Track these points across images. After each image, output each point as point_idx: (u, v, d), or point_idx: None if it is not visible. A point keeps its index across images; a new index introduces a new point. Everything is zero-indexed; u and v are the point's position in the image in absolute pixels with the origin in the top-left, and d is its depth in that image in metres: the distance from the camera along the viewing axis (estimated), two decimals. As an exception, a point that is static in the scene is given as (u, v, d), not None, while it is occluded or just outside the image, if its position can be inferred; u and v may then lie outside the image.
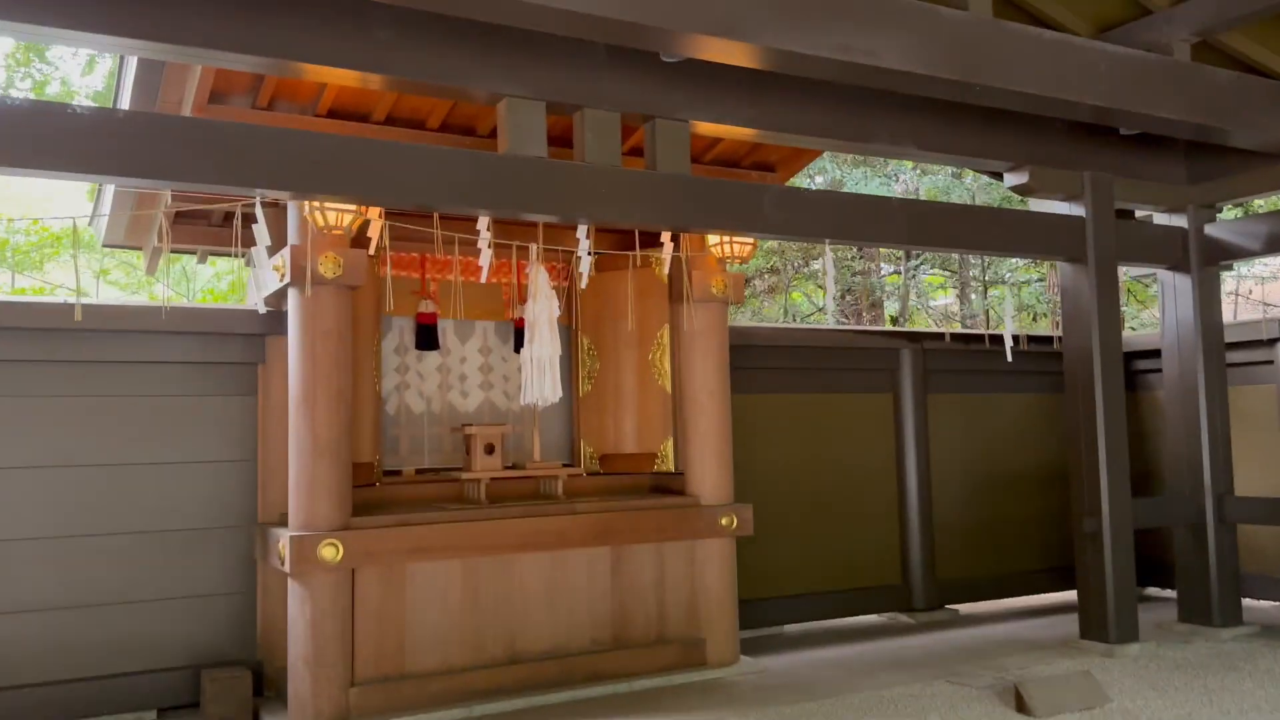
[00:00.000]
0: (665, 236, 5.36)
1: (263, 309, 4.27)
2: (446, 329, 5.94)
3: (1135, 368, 8.13)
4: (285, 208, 4.85)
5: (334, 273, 4.55)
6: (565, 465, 5.97)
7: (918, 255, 10.84)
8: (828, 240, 5.15)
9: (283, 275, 4.59)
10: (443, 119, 5.05)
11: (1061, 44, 4.59)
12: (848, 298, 11.28)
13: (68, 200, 13.45)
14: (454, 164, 4.09)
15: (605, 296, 6.03)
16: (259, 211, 3.86)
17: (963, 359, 7.59)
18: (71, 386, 4.89)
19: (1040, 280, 10.58)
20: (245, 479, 5.20)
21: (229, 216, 5.75)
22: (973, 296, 10.83)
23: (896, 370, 7.34)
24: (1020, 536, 7.74)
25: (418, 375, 5.86)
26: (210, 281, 11.72)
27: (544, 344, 5.37)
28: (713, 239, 5.47)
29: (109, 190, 5.64)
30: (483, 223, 4.93)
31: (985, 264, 10.82)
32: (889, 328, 8.99)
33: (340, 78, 3.95)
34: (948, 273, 11.43)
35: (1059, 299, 8.51)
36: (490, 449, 5.25)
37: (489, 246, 4.91)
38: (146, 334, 4.99)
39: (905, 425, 7.33)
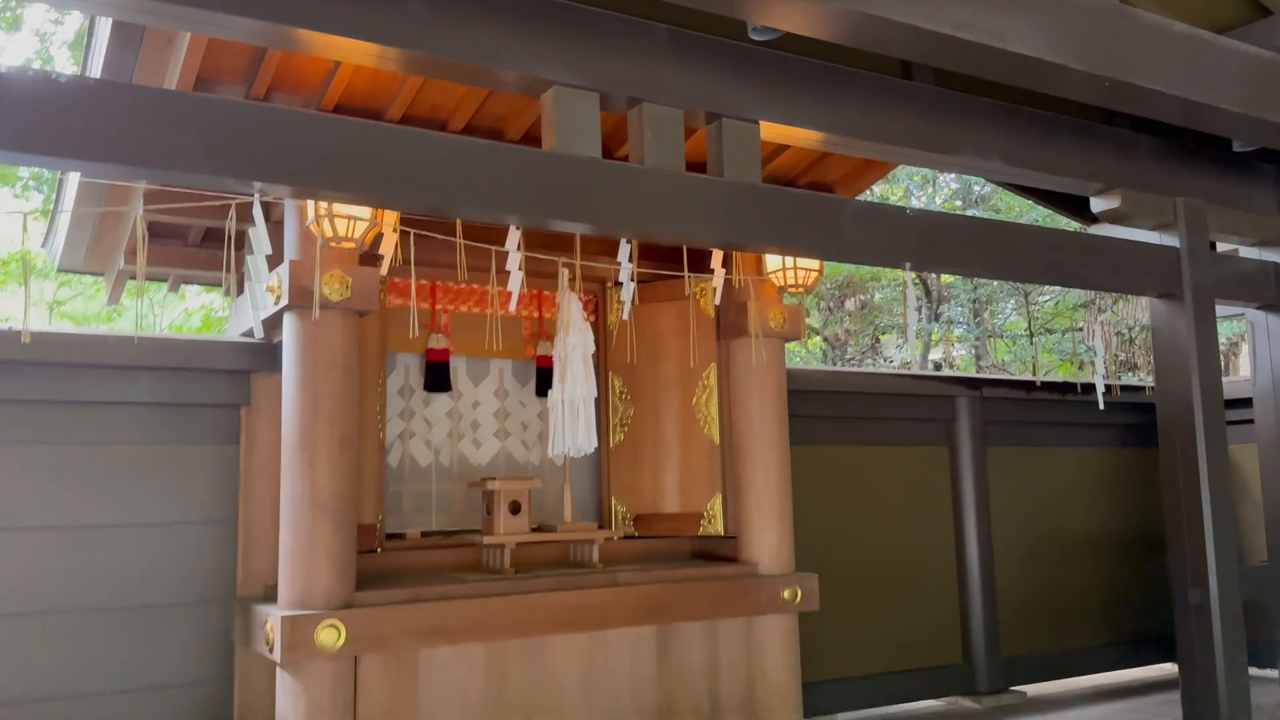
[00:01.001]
0: (716, 260, 4.76)
1: (259, 334, 3.59)
2: (458, 368, 5.26)
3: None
4: (281, 220, 4.19)
5: (341, 294, 3.88)
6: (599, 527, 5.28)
7: (933, 300, 10.37)
8: (908, 264, 4.56)
9: (278, 297, 3.91)
10: (468, 119, 4.44)
11: (1194, 40, 4.08)
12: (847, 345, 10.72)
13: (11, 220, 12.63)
14: (494, 161, 3.45)
15: (640, 331, 5.40)
16: (257, 212, 3.20)
17: (1024, 408, 7.00)
18: (12, 431, 4.15)
19: (1078, 330, 10.10)
20: (223, 544, 4.44)
21: (208, 234, 5.08)
22: (978, 345, 10.32)
23: (952, 421, 6.74)
24: (1093, 607, 7.10)
25: (424, 421, 5.17)
26: (179, 318, 10.94)
27: (578, 385, 4.71)
28: (772, 264, 4.87)
29: (67, 206, 4.96)
30: (513, 238, 4.30)
31: (997, 313, 10.36)
32: (944, 373, 8.39)
33: (354, 53, 3.32)
34: (959, 323, 10.96)
35: (1097, 346, 7.91)
36: (516, 508, 4.55)
37: (520, 269, 4.27)
38: (106, 369, 4.28)
39: (963, 482, 6.70)
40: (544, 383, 5.36)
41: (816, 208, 4.28)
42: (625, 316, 4.59)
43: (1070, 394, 7.15)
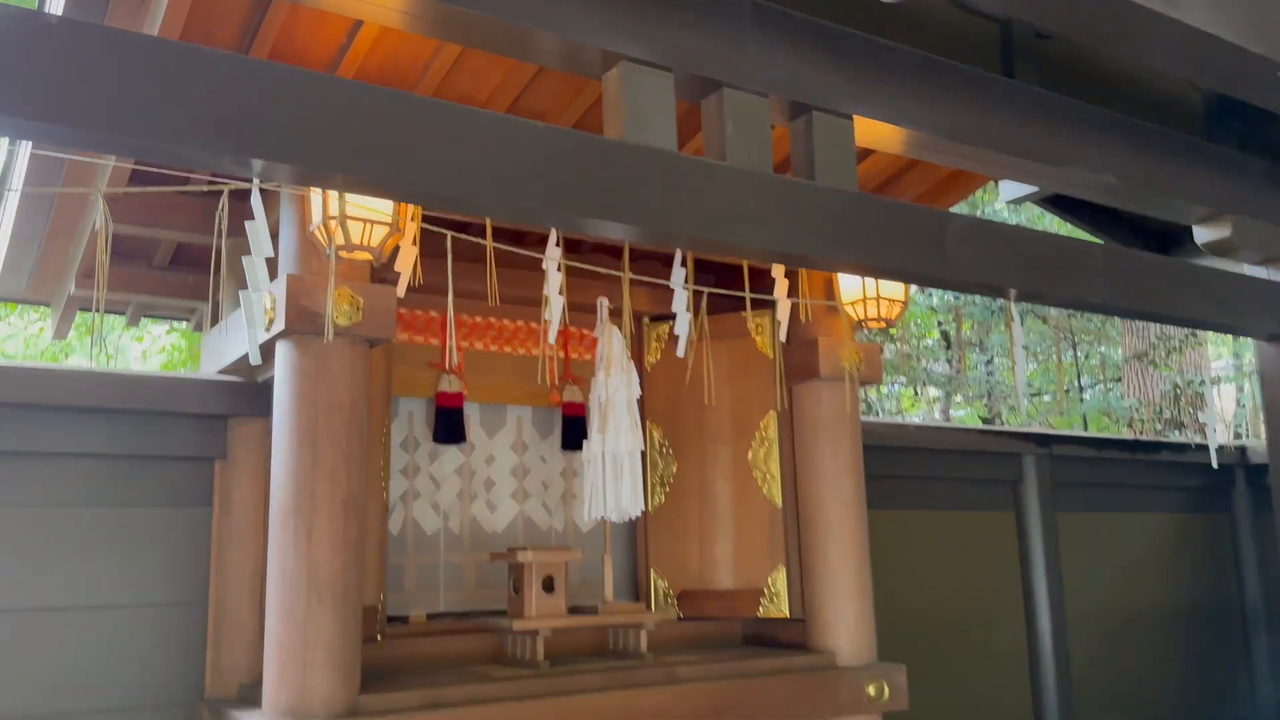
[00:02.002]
0: (780, 288, 4.15)
1: (257, 358, 2.88)
2: (471, 417, 4.56)
3: (1277, 481, 7.03)
4: (275, 229, 3.50)
5: (350, 318, 3.19)
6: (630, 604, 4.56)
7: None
8: (1013, 292, 3.96)
9: (270, 322, 3.21)
10: (509, 105, 3.80)
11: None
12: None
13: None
14: (553, 146, 2.79)
15: (683, 373, 4.74)
16: (256, 202, 2.51)
17: (1095, 469, 6.41)
18: (-73, 490, 3.38)
19: (1115, 380, 9.58)
20: (188, 633, 3.66)
21: (179, 254, 4.37)
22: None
23: (1019, 482, 6.12)
24: (1176, 690, 6.44)
25: (430, 480, 4.44)
26: (134, 362, 10.07)
27: (622, 435, 4.04)
28: (848, 292, 4.25)
29: (6, 221, 4.24)
30: (554, 257, 3.66)
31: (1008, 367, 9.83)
32: (1010, 427, 7.80)
33: (375, 7, 2.68)
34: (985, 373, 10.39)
35: (1209, 398, 7.43)
36: (550, 585, 3.82)
37: (561, 293, 3.63)
38: (44, 412, 3.53)
39: (1032, 552, 6.07)
40: (572, 434, 4.67)
41: (920, 221, 3.67)
42: (681, 353, 3.93)
43: (1141, 453, 6.59)
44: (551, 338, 3.59)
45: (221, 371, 3.83)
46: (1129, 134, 4.31)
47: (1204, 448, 6.93)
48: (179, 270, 4.39)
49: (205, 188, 2.44)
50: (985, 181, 4.80)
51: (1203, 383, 8.65)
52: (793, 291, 4.30)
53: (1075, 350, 8.49)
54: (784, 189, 3.34)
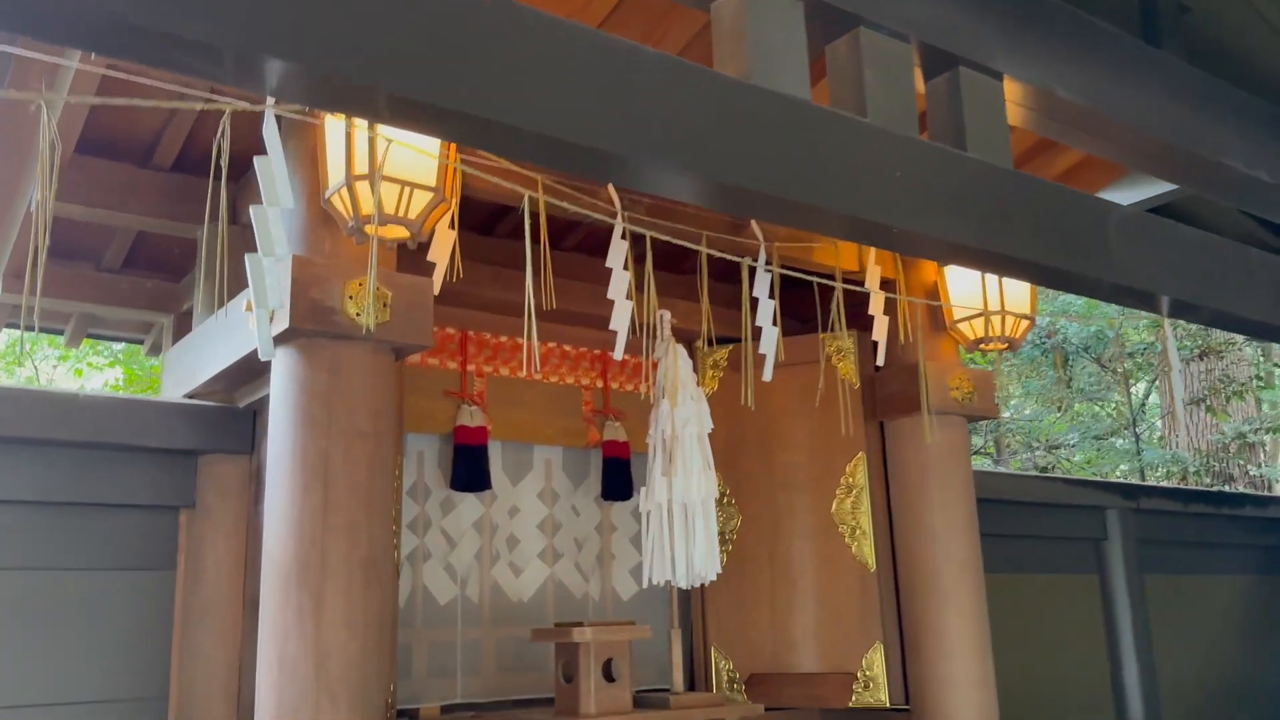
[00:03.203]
0: (876, 299, 3.49)
1: (268, 351, 2.12)
2: (493, 458, 3.80)
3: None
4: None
5: (378, 317, 2.45)
6: (666, 692, 3.79)
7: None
8: (1166, 303, 3.33)
9: (272, 318, 2.44)
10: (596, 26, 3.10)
11: None
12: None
13: None
14: (665, 78, 2.09)
15: (746, 408, 4.03)
16: (270, 128, 1.78)
17: (1182, 525, 5.79)
18: None
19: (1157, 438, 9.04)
20: (138, 739, 2.82)
21: (135, 250, 3.59)
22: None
23: (1103, 540, 5.47)
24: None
25: (443, 536, 3.66)
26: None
27: (694, 479, 3.32)
28: (965, 303, 3.59)
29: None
30: (619, 251, 2.97)
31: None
32: (1091, 478, 7.18)
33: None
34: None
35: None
36: (610, 671, 3.05)
37: (629, 297, 2.94)
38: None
39: (1119, 621, 5.40)
40: (613, 481, 3.93)
41: (1081, 208, 3.03)
42: (769, 377, 3.23)
43: (1226, 507, 5.99)
44: (618, 353, 2.87)
45: (189, 395, 3.04)
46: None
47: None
48: (135, 272, 3.61)
49: (197, 104, 1.70)
50: (1109, 180, 4.22)
51: (1255, 431, 8.13)
52: (891, 305, 3.63)
53: (1130, 393, 7.96)
54: (934, 158, 2.68)
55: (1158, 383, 8.25)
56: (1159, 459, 8.28)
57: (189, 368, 3.02)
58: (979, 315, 3.54)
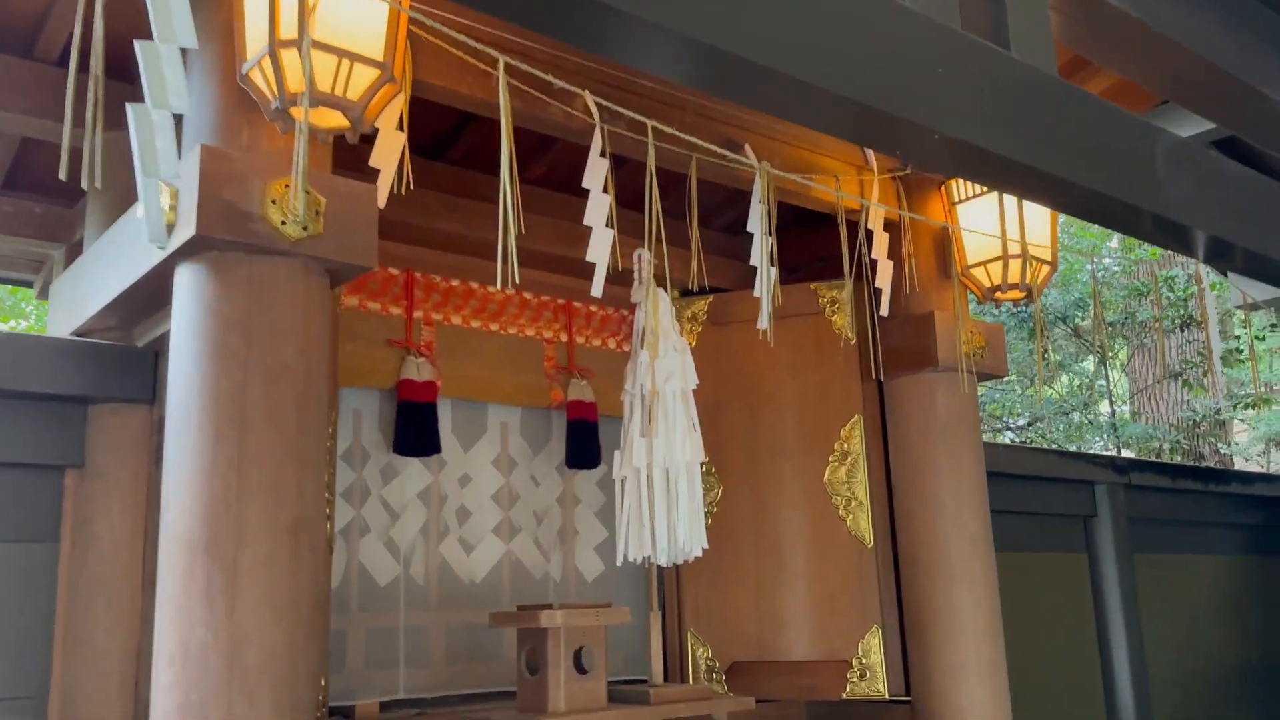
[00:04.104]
0: (879, 240, 3.14)
1: (159, 238, 1.67)
2: (443, 419, 3.37)
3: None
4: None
5: (308, 226, 2.00)
6: (641, 684, 3.42)
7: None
8: (1201, 244, 3.03)
9: (170, 227, 1.97)
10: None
11: None
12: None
13: None
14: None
15: (729, 364, 3.66)
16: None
17: (1173, 502, 5.56)
18: None
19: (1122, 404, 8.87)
20: (8, 748, 2.36)
21: (22, 160, 3.07)
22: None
23: (1092, 517, 5.21)
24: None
25: (384, 508, 3.23)
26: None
27: (677, 441, 2.93)
28: (981, 244, 3.25)
29: None
30: (598, 170, 2.59)
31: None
32: (1084, 451, 6.93)
33: None
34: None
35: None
36: (582, 661, 2.65)
37: (611, 225, 2.56)
38: None
39: (1108, 602, 5.15)
40: (579, 447, 3.53)
41: (1130, 130, 2.69)
42: (765, 324, 2.84)
43: (1214, 484, 5.79)
44: (596, 288, 2.46)
45: (78, 333, 2.56)
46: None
47: (1270, 478, 6.22)
48: (21, 194, 3.10)
49: None
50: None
51: (1219, 411, 8.00)
52: (895, 247, 3.28)
53: (1106, 368, 7.74)
54: (980, 55, 2.32)
55: (1133, 357, 8.09)
56: (1135, 434, 8.10)
57: (77, 299, 2.54)
58: (997, 259, 3.19)
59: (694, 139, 2.67)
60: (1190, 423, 8.15)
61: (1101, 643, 5.12)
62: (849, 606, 3.38)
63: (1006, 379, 8.71)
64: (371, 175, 2.24)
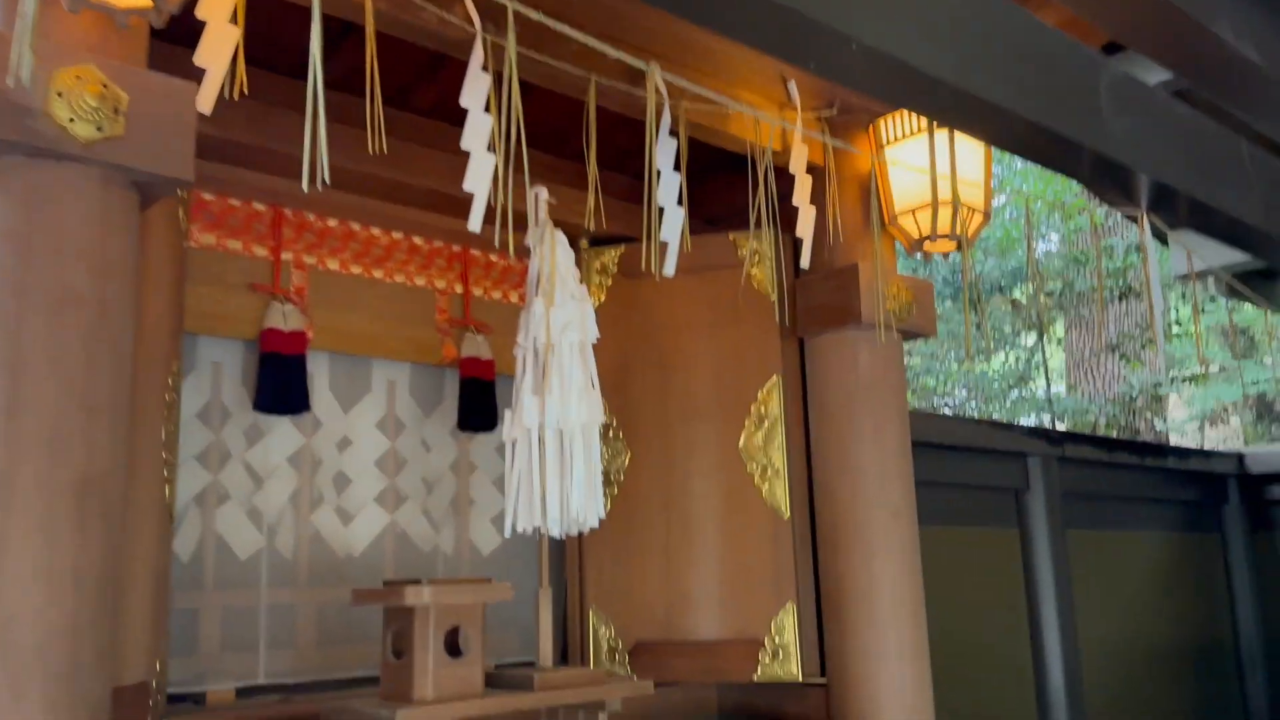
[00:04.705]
0: (801, 184, 2.90)
1: None
2: (317, 375, 3.06)
3: (1273, 497, 6.31)
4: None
5: (103, 125, 1.68)
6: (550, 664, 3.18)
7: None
8: (1145, 191, 2.83)
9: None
10: None
11: None
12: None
13: None
14: None
15: (640, 321, 3.40)
16: None
17: (1105, 477, 5.44)
18: None
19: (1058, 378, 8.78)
20: None
21: None
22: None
23: (1024, 491, 5.07)
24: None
25: (247, 473, 2.91)
26: None
27: (574, 398, 2.67)
28: (903, 195, 3.01)
29: None
30: (477, 85, 2.30)
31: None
32: (1019, 423, 6.78)
33: None
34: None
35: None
36: (456, 643, 2.38)
37: (489, 150, 2.27)
38: None
39: (1039, 580, 5.02)
40: (474, 408, 3.24)
41: (1075, 59, 2.48)
42: (671, 271, 2.58)
43: (1149, 458, 5.69)
44: (474, 223, 2.18)
45: None
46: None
47: (1206, 453, 6.15)
48: None
49: None
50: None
51: (1158, 385, 7.95)
52: (819, 194, 3.03)
53: (1043, 339, 7.62)
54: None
55: (1070, 330, 7.98)
56: (1069, 408, 8.01)
57: None
58: (926, 206, 2.95)
59: (597, 43, 2.38)
60: (1127, 397, 8.09)
61: (1032, 621, 4.98)
62: (763, 582, 3.15)
63: (943, 356, 8.58)
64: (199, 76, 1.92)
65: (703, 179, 3.61)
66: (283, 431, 2.98)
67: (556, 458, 2.65)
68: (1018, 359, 8.02)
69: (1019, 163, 7.91)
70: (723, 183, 3.58)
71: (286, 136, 2.81)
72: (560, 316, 2.70)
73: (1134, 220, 5.01)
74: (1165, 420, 8.06)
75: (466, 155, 2.97)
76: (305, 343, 2.90)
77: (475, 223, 2.17)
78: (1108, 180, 2.68)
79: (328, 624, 2.96)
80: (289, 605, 2.91)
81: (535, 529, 2.66)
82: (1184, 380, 7.35)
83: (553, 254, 2.75)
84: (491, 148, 2.28)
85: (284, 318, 2.88)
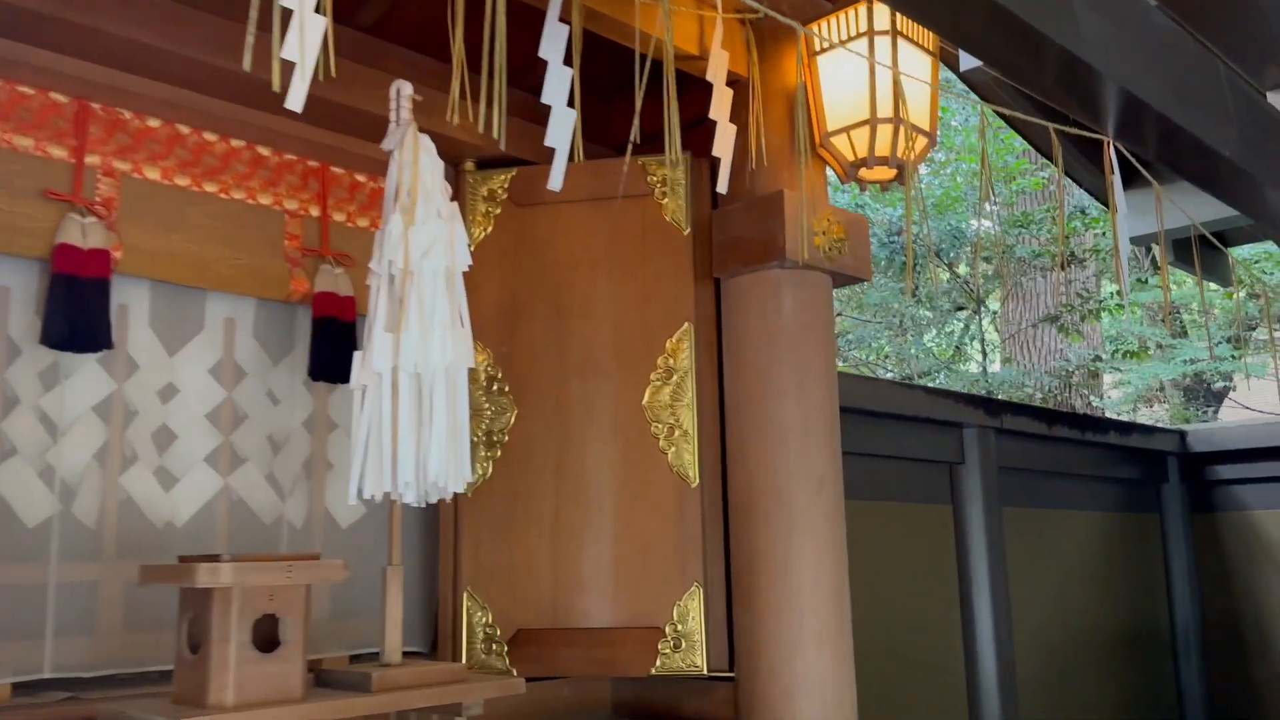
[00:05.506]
0: (719, 97, 2.51)
1: None
2: (129, 306, 2.57)
3: (1213, 477, 6.12)
4: None
5: None
6: (412, 657, 2.75)
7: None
8: (1116, 89, 2.46)
9: None
10: None
11: None
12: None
13: None
14: None
15: (534, 257, 2.96)
16: None
17: (1046, 450, 5.16)
18: None
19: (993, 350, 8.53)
20: None
21: None
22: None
23: (958, 465, 4.75)
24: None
25: (40, 422, 2.41)
26: None
27: (436, 337, 2.23)
28: (844, 107, 2.61)
29: None
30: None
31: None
32: (956, 389, 6.47)
33: None
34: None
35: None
36: (268, 634, 1.92)
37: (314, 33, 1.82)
38: None
39: (973, 560, 4.72)
40: (328, 352, 2.77)
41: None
42: (557, 185, 2.14)
43: (1091, 432, 5.43)
44: (295, 102, 1.72)
45: None
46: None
47: (1148, 429, 5.93)
48: None
49: None
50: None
51: (1098, 358, 7.75)
52: (740, 109, 2.62)
53: (980, 307, 7.32)
54: None
55: (1007, 300, 7.71)
56: (1005, 380, 7.75)
57: None
58: (864, 124, 2.55)
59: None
60: (1064, 372, 7.87)
61: (964, 604, 4.69)
62: (666, 561, 2.74)
63: (877, 328, 8.28)
64: None
65: (613, 100, 3.17)
66: (88, 374, 2.48)
67: (413, 408, 2.20)
68: (952, 331, 7.74)
69: (956, 119, 7.60)
70: (626, 105, 3.14)
71: (97, 6, 2.31)
72: (422, 237, 2.24)
73: (1081, 177, 4.67)
74: (1101, 398, 7.86)
75: (328, 48, 2.51)
76: (109, 264, 2.40)
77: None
78: (1073, 88, 2.30)
79: (139, 606, 2.48)
80: (88, 584, 2.41)
81: (387, 496, 2.21)
82: (1122, 355, 7.13)
83: (415, 162, 2.29)
84: (571, 102, 2.07)
85: (83, 233, 2.37)
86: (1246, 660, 5.76)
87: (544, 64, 2.19)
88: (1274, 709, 5.67)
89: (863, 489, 4.27)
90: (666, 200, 2.89)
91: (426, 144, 2.33)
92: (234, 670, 1.81)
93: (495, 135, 1.88)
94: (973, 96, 3.51)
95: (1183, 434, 6.09)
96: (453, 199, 2.39)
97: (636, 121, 2.34)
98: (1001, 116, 3.57)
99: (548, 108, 2.14)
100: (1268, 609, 5.73)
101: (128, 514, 2.50)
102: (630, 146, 2.27)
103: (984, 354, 7.47)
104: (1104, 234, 6.16)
